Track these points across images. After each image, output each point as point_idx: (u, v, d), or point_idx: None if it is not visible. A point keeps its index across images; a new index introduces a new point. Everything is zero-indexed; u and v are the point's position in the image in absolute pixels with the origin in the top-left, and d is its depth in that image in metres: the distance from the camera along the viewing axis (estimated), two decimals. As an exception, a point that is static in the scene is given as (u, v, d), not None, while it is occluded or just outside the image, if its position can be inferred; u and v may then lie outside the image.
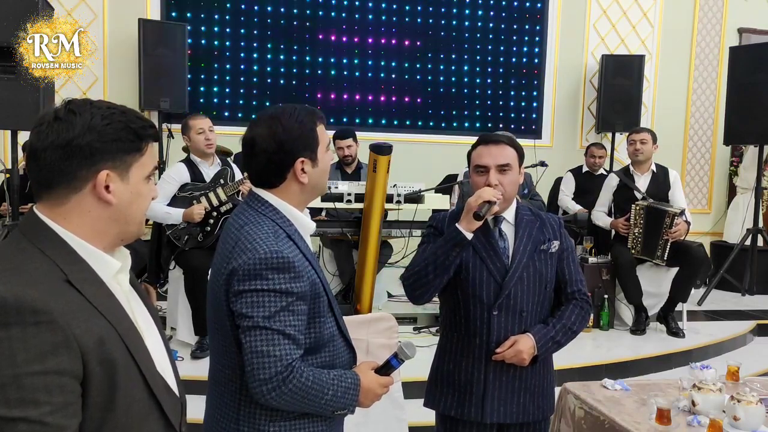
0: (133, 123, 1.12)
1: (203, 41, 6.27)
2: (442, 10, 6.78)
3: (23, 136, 4.59)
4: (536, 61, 7.03)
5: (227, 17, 6.33)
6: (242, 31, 6.36)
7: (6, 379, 0.94)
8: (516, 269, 1.97)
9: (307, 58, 6.53)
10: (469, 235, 1.90)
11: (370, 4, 6.63)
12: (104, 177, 1.09)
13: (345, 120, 6.44)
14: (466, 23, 6.87)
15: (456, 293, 2.01)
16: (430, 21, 6.77)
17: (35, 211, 1.11)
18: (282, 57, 6.47)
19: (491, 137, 2.03)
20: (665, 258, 4.45)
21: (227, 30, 6.34)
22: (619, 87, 6.68)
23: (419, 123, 6.81)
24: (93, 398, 1.03)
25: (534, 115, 7.08)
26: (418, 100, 6.80)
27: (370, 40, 6.66)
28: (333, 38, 6.58)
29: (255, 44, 6.40)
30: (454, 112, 6.90)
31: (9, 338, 0.95)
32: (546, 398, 2.07)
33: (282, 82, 6.50)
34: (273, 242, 1.43)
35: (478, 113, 6.95)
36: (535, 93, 7.06)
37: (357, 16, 6.62)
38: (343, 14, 6.59)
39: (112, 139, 1.09)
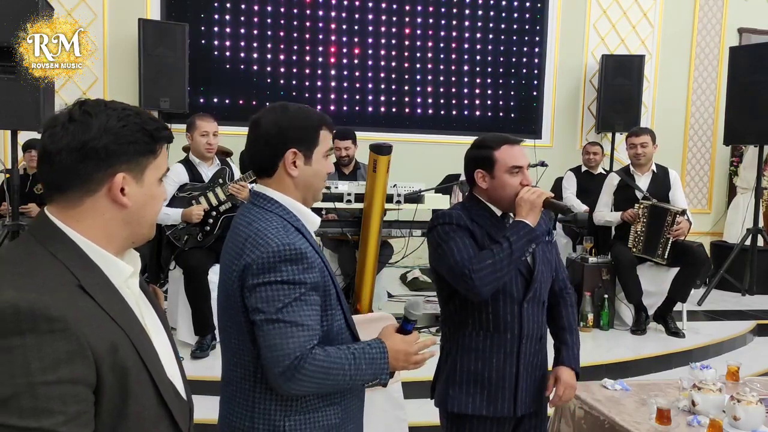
0: (148, 125, 1.11)
1: (203, 41, 6.27)
2: (442, 10, 6.78)
3: (23, 136, 4.59)
4: (536, 61, 7.02)
5: (227, 17, 6.33)
6: (242, 31, 6.37)
7: (20, 387, 0.92)
8: (540, 262, 2.03)
9: (307, 58, 6.53)
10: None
11: (370, 4, 6.63)
12: (121, 179, 1.08)
13: (344, 120, 6.43)
14: (466, 23, 6.87)
15: None
16: (430, 21, 6.77)
17: (46, 213, 1.08)
18: (282, 57, 6.47)
19: (516, 138, 2.04)
20: (665, 257, 4.45)
21: (227, 30, 6.34)
22: (619, 87, 6.68)
23: (419, 123, 6.80)
24: (105, 406, 1.01)
25: (534, 115, 7.08)
26: (418, 99, 6.80)
27: (370, 40, 6.66)
28: (333, 38, 6.58)
29: (255, 44, 6.40)
30: (454, 112, 6.90)
31: (23, 346, 0.93)
32: (545, 387, 2.13)
33: (282, 82, 6.50)
34: (284, 235, 1.44)
35: (478, 113, 6.95)
36: (535, 93, 7.06)
37: (357, 16, 6.62)
38: (343, 14, 6.59)
39: (128, 141, 1.08)
